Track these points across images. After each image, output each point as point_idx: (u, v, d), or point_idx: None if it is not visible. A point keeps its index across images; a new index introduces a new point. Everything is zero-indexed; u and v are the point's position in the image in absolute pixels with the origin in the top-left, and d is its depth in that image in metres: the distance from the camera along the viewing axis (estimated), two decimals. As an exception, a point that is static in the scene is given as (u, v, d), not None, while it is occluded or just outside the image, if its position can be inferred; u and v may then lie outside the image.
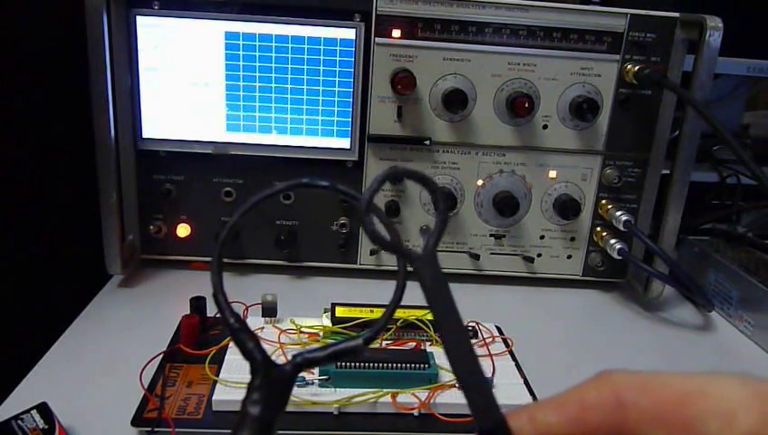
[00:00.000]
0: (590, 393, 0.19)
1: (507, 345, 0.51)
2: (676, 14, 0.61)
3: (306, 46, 0.59)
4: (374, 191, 0.21)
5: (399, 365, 0.44)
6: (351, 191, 0.26)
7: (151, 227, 0.64)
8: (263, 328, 0.50)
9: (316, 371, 0.44)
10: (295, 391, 0.42)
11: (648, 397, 0.19)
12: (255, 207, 0.25)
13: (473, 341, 0.51)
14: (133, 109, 0.60)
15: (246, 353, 0.23)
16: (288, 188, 0.26)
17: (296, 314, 0.52)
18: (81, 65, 0.56)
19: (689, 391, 0.18)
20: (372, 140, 0.62)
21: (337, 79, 0.61)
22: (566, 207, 0.64)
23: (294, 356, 0.23)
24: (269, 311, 0.51)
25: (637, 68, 0.60)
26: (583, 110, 0.61)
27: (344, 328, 0.50)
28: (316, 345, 0.47)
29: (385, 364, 0.44)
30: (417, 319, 0.52)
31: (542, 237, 0.67)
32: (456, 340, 0.20)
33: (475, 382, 0.19)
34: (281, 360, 0.45)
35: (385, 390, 0.43)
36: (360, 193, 0.22)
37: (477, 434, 0.18)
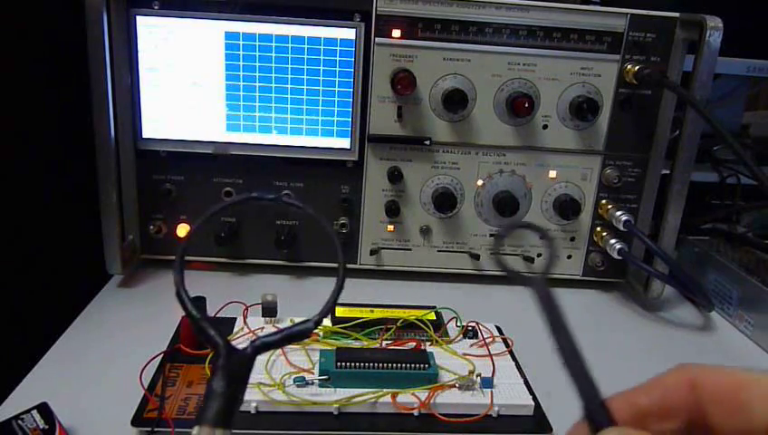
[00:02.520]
0: (671, 379, 0.24)
1: (507, 345, 0.51)
2: (676, 14, 0.61)
3: (306, 46, 0.59)
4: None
5: (399, 365, 0.44)
6: (298, 203, 0.30)
7: (151, 227, 0.64)
8: (263, 328, 0.50)
9: (316, 371, 0.44)
10: (295, 391, 0.43)
11: (714, 382, 0.23)
12: (210, 219, 0.29)
13: (473, 341, 0.51)
14: (133, 109, 0.60)
15: (209, 339, 0.27)
16: (238, 202, 0.31)
17: (296, 314, 0.51)
18: (81, 65, 0.56)
19: (746, 379, 0.23)
20: (372, 140, 0.62)
21: (337, 79, 0.61)
22: (566, 207, 0.64)
23: (253, 341, 0.27)
24: (269, 311, 0.51)
25: (637, 68, 0.60)
26: (583, 110, 0.61)
27: (344, 328, 0.50)
28: (317, 345, 0.47)
29: (385, 364, 0.44)
30: (417, 319, 0.52)
31: (542, 237, 0.67)
32: None
33: (580, 370, 0.24)
34: (281, 360, 0.46)
35: (385, 390, 0.43)
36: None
37: (585, 416, 0.22)
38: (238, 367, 0.26)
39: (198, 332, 0.27)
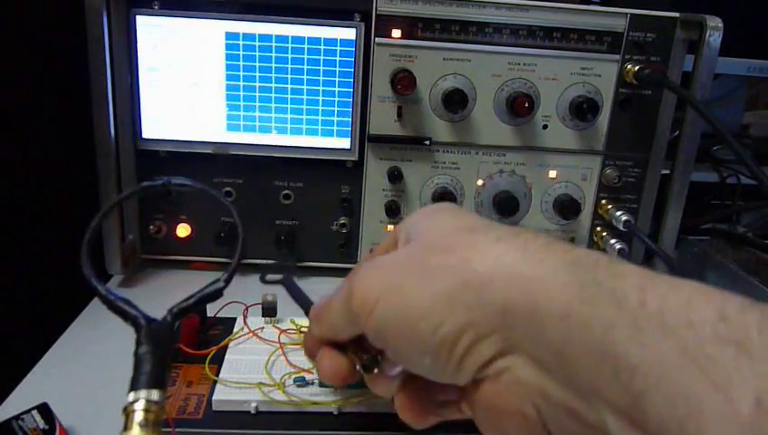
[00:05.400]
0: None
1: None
2: (676, 14, 0.61)
3: (306, 46, 0.59)
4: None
5: (399, 365, 0.44)
6: (187, 181, 0.34)
7: (151, 227, 0.64)
8: (263, 328, 0.50)
9: (316, 371, 0.44)
10: (295, 391, 0.43)
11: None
12: (112, 211, 0.30)
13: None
14: (133, 109, 0.60)
15: (126, 315, 0.30)
16: (132, 193, 0.35)
17: (296, 314, 0.51)
18: (81, 65, 0.56)
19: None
20: (372, 140, 0.62)
21: (337, 79, 0.61)
22: (566, 207, 0.64)
23: (171, 308, 0.30)
24: (269, 311, 0.51)
25: (637, 68, 0.60)
26: (583, 110, 0.61)
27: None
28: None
29: (385, 364, 0.44)
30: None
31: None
32: None
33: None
34: (281, 360, 0.46)
35: (385, 390, 0.43)
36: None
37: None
38: (160, 333, 0.28)
39: (114, 311, 0.30)
